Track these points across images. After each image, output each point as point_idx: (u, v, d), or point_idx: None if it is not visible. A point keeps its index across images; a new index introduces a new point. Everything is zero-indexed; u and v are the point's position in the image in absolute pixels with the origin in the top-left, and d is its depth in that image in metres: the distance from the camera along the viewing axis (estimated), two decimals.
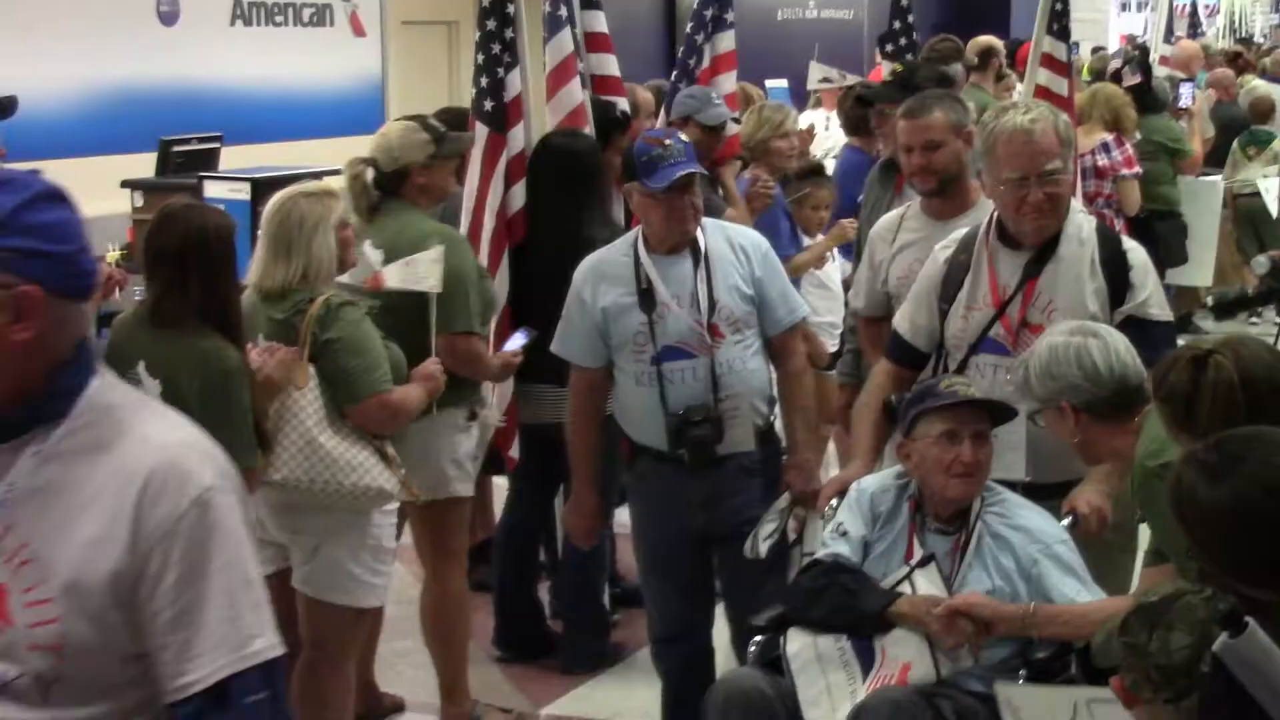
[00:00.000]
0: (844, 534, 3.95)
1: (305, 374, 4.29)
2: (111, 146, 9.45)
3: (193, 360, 4.02)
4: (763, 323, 4.57)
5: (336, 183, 4.93)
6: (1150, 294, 4.04)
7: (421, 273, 4.71)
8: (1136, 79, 9.99)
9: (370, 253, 4.86)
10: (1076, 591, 3.69)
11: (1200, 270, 9.87)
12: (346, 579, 4.41)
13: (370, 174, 4.95)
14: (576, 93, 6.00)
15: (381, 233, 4.92)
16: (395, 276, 4.70)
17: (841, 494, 4.14)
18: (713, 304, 4.46)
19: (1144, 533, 3.74)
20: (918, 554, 3.85)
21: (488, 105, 5.79)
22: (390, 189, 4.98)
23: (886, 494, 3.97)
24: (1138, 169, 8.75)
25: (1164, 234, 9.18)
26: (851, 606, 3.78)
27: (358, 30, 11.95)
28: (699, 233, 4.51)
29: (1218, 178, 10.65)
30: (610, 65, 6.44)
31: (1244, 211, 11.04)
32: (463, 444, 5.00)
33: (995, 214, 4.16)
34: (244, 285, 4.49)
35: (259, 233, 4.50)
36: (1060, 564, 3.74)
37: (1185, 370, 3.12)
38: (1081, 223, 4.10)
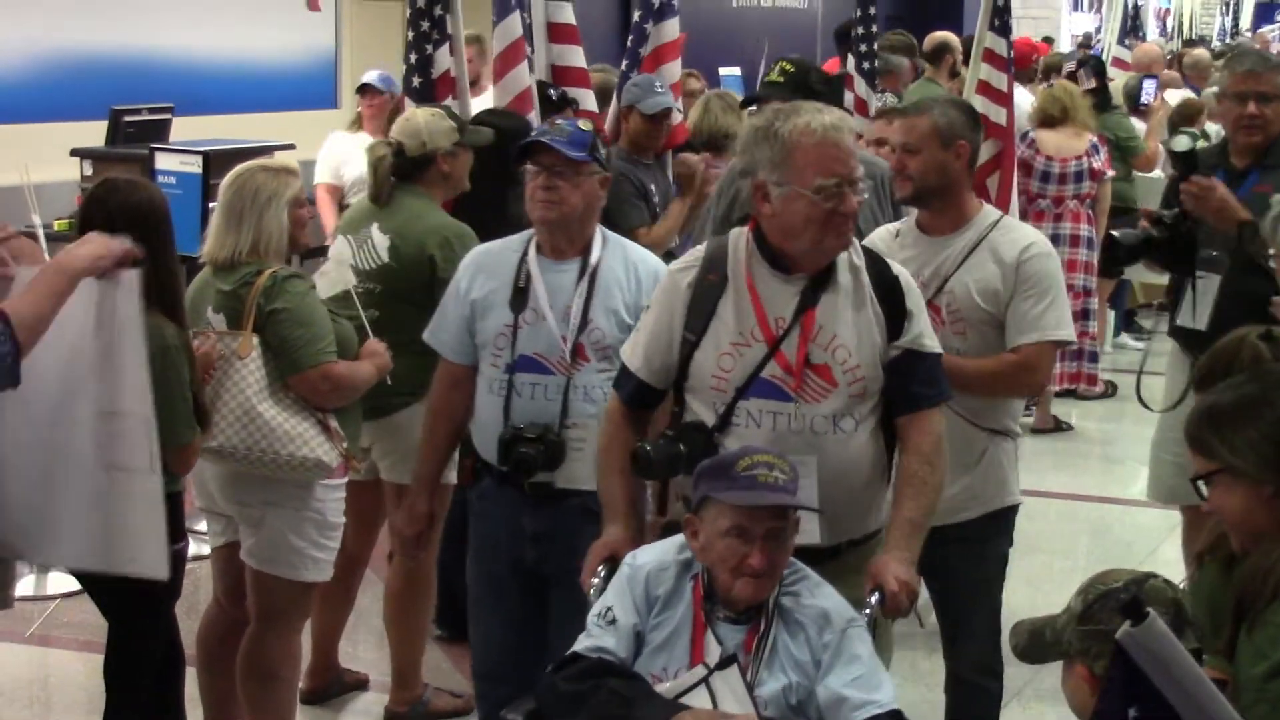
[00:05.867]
0: (612, 622, 3.26)
1: (249, 344, 4.32)
2: (61, 113, 9.39)
3: None
4: None
5: (290, 159, 4.94)
6: (925, 323, 3.59)
7: (335, 277, 4.76)
8: (1091, 84, 10.08)
9: (377, 236, 4.95)
10: (849, 682, 3.18)
11: None
12: (289, 552, 4.43)
13: (391, 158, 5.01)
14: (524, 77, 6.08)
15: (392, 218, 4.99)
16: (321, 288, 4.72)
17: (611, 562, 3.51)
18: (585, 323, 4.09)
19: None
20: (709, 649, 3.22)
21: (415, 81, 5.89)
22: (409, 175, 5.03)
23: (666, 573, 3.31)
24: (1113, 170, 8.88)
25: (1120, 231, 9.26)
26: (625, 717, 3.11)
27: (313, 4, 11.89)
28: (597, 246, 4.17)
29: None
30: (574, 56, 6.53)
31: None
32: None
33: (751, 232, 3.56)
34: (193, 259, 4.52)
35: (215, 204, 4.53)
36: (846, 653, 3.22)
37: (1252, 345, 3.07)
38: (850, 247, 3.56)
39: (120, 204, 4.02)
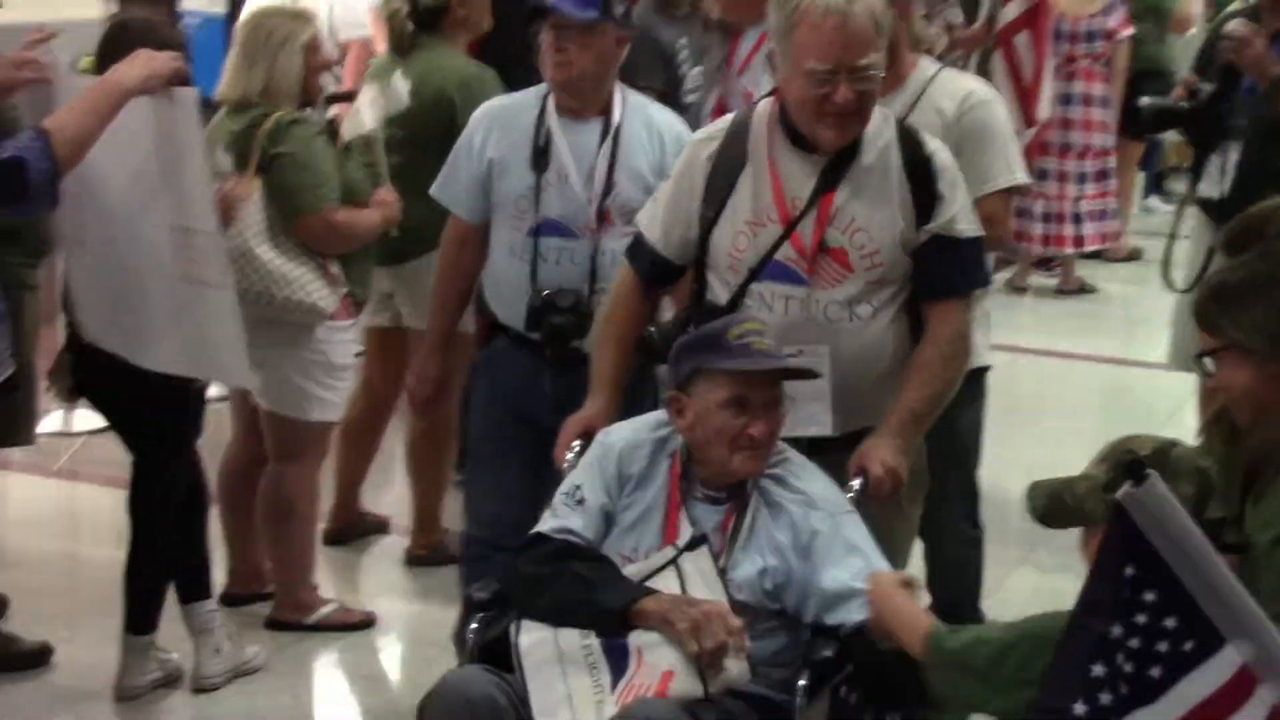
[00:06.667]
0: (580, 501, 3.14)
1: (250, 186, 4.36)
2: None
3: None
4: None
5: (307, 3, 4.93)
6: (960, 205, 3.35)
7: (364, 117, 4.77)
8: None
9: (399, 85, 4.98)
10: (854, 574, 3.02)
11: None
12: (296, 392, 4.50)
13: (407, 8, 5.02)
14: None
15: (413, 66, 5.02)
16: (346, 128, 4.71)
17: (585, 439, 3.38)
18: (610, 185, 3.99)
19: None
20: (681, 529, 3.09)
21: None
22: (427, 24, 5.04)
23: (640, 450, 3.18)
24: (1131, 29, 8.73)
25: (1152, 94, 9.14)
26: (588, 601, 2.99)
27: None
28: (618, 106, 4.05)
29: None
30: None
31: None
32: None
33: (777, 105, 3.36)
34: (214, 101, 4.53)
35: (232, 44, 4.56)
36: (842, 541, 3.07)
37: None
38: (881, 123, 3.35)
39: (133, 45, 3.94)
